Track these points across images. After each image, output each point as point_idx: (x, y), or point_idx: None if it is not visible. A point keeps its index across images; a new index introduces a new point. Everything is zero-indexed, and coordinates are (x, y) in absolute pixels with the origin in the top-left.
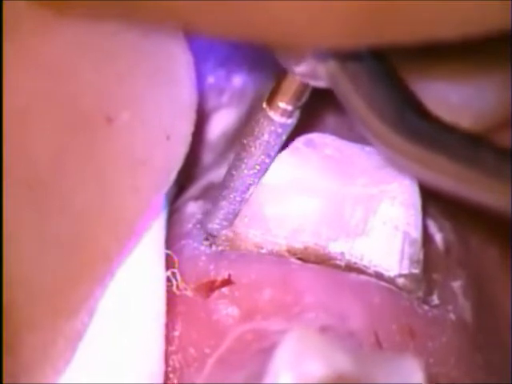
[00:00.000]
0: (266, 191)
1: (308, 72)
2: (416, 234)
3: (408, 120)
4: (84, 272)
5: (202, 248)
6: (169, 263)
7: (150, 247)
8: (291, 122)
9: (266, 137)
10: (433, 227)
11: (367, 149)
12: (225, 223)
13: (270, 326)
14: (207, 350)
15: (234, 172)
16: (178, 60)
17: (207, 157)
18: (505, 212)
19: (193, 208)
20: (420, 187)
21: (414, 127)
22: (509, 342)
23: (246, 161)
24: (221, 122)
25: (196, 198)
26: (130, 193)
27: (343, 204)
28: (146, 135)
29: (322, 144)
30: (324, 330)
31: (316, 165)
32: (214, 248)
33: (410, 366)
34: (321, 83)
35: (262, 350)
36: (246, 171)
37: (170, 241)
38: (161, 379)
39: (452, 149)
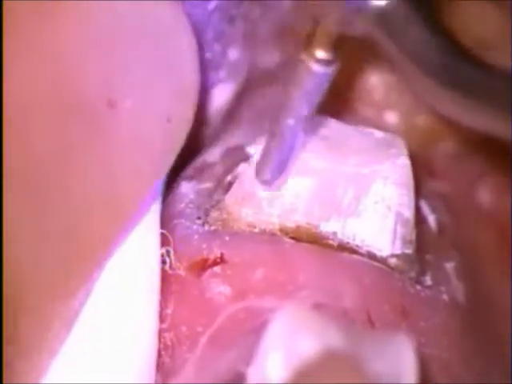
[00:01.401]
0: None
1: (342, 20)
2: (408, 214)
3: (454, 68)
4: (83, 256)
5: (195, 227)
6: (163, 242)
7: (145, 226)
8: (331, 69)
9: (307, 87)
10: (426, 208)
11: (360, 129)
12: (276, 174)
13: (262, 305)
14: (199, 329)
15: (280, 122)
16: (181, 42)
17: (202, 136)
18: None
19: (186, 188)
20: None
21: (461, 75)
22: (502, 328)
23: (289, 111)
24: (218, 99)
25: (189, 178)
26: (132, 176)
27: (336, 184)
28: (148, 118)
29: (316, 124)
30: (317, 308)
31: (309, 144)
32: (206, 227)
33: (402, 345)
34: (357, 32)
35: (255, 329)
36: (291, 120)
37: (164, 220)
38: (154, 356)
39: (506, 96)
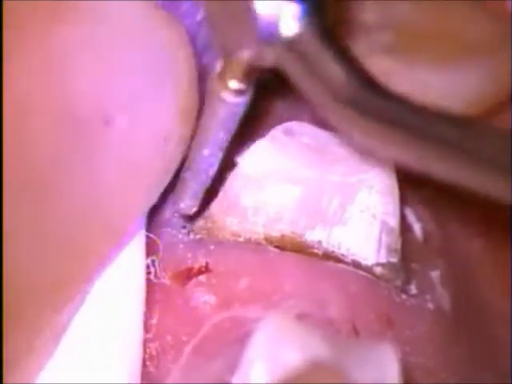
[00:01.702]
0: (243, 179)
1: (254, 55)
2: (394, 222)
3: (363, 96)
4: (75, 270)
5: (180, 236)
6: (148, 251)
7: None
8: (245, 99)
9: (221, 116)
10: (411, 217)
11: None
12: (194, 202)
13: (247, 314)
14: (184, 338)
15: (195, 153)
16: (180, 63)
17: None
18: (463, 185)
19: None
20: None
21: (370, 103)
22: (496, 334)
23: (205, 141)
24: None
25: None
26: (124, 194)
27: (321, 193)
28: (144, 138)
29: (301, 133)
30: (301, 317)
31: (294, 153)
32: (191, 236)
33: (386, 354)
34: (268, 64)
35: (240, 338)
36: (206, 151)
37: (149, 228)
38: (139, 366)
39: (412, 123)
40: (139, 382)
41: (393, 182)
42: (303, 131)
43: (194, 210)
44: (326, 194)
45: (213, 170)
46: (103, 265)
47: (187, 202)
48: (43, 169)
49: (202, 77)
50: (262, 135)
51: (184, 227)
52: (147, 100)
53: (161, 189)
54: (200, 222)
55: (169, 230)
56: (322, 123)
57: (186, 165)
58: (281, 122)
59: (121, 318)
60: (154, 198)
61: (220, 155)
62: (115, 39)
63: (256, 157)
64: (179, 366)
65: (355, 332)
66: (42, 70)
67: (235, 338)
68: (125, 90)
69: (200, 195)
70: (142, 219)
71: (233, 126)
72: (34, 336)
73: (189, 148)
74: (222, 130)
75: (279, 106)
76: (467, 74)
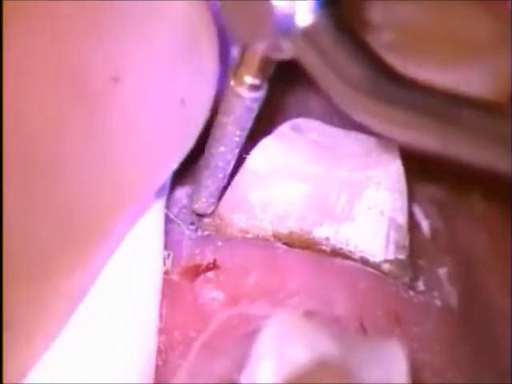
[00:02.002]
0: (251, 176)
1: (270, 46)
2: (402, 219)
3: (380, 84)
4: (77, 234)
5: (188, 232)
6: None
7: (151, 224)
8: (260, 94)
9: (237, 113)
10: (419, 214)
11: (353, 134)
12: (211, 201)
13: (255, 311)
14: (192, 334)
15: (212, 151)
16: (198, 24)
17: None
18: (488, 168)
19: (180, 193)
20: (404, 153)
21: (388, 90)
22: (500, 332)
23: (221, 138)
24: None
25: (183, 183)
26: (134, 157)
27: (329, 189)
28: (156, 99)
29: (308, 129)
30: (309, 314)
31: (302, 150)
32: (199, 233)
33: (395, 352)
34: (285, 56)
35: (247, 335)
36: (223, 148)
37: None
38: (154, 355)
39: (431, 108)
40: (153, 371)
41: (401, 179)
42: (311, 127)
43: (212, 209)
44: (334, 190)
45: (229, 168)
46: (114, 232)
47: (204, 201)
48: (45, 135)
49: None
50: (269, 131)
51: (192, 224)
52: (161, 60)
53: (180, 156)
54: (208, 219)
55: (176, 226)
56: (329, 119)
57: (202, 163)
58: (288, 118)
59: (138, 305)
60: (171, 164)
61: (236, 152)
62: (129, 4)
63: (264, 153)
64: (187, 361)
65: (363, 329)
66: (43, 33)
67: (243, 335)
68: (134, 49)
69: (217, 194)
70: (156, 197)
71: (249, 122)
72: (39, 305)
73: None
74: (239, 127)
75: (286, 103)
76: (471, 74)
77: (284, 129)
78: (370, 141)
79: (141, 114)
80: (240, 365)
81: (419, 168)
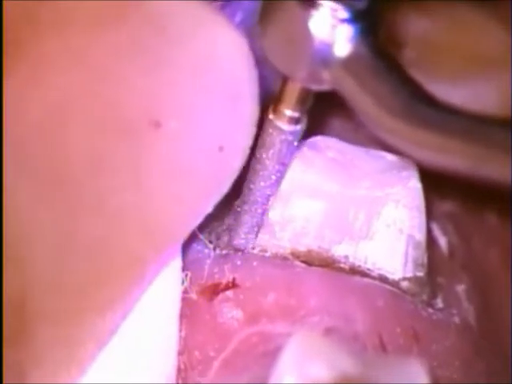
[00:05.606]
0: None
1: (309, 77)
2: (420, 236)
3: (416, 109)
4: (112, 274)
5: (207, 251)
6: None
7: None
8: (300, 127)
9: (277, 146)
10: (437, 230)
11: (371, 152)
12: (250, 236)
13: (274, 329)
14: (212, 353)
15: (251, 186)
16: (242, 75)
17: None
18: None
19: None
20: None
21: (424, 115)
22: (508, 347)
23: (261, 173)
24: None
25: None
26: (171, 200)
27: (347, 207)
28: (196, 144)
29: (326, 147)
30: (328, 332)
31: (320, 168)
32: (218, 251)
33: (415, 370)
34: (324, 86)
35: (267, 353)
36: (262, 183)
37: None
38: (173, 378)
39: (464, 131)
40: None
41: (419, 196)
42: (328, 145)
43: (251, 245)
44: (352, 208)
45: (268, 204)
46: (149, 271)
47: (243, 237)
48: (87, 171)
49: (262, 89)
50: None
51: (210, 242)
52: (202, 107)
53: (215, 199)
54: (226, 237)
55: (195, 245)
56: (348, 137)
57: (241, 198)
58: (306, 136)
59: (157, 329)
60: (205, 209)
61: (276, 189)
62: (165, 42)
63: None
64: (207, 380)
65: (382, 346)
66: (85, 69)
67: (263, 353)
68: (177, 95)
69: (256, 229)
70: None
71: (288, 157)
72: (72, 341)
73: (245, 178)
74: (278, 161)
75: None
76: (482, 88)
77: (302, 147)
78: (388, 158)
79: (179, 159)
80: (260, 382)
81: (435, 184)
